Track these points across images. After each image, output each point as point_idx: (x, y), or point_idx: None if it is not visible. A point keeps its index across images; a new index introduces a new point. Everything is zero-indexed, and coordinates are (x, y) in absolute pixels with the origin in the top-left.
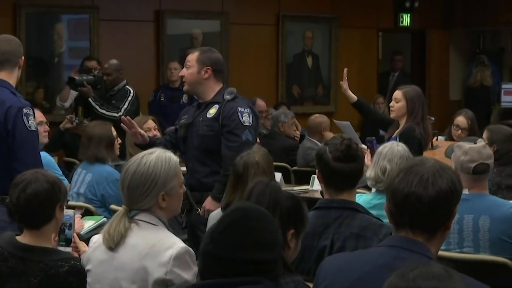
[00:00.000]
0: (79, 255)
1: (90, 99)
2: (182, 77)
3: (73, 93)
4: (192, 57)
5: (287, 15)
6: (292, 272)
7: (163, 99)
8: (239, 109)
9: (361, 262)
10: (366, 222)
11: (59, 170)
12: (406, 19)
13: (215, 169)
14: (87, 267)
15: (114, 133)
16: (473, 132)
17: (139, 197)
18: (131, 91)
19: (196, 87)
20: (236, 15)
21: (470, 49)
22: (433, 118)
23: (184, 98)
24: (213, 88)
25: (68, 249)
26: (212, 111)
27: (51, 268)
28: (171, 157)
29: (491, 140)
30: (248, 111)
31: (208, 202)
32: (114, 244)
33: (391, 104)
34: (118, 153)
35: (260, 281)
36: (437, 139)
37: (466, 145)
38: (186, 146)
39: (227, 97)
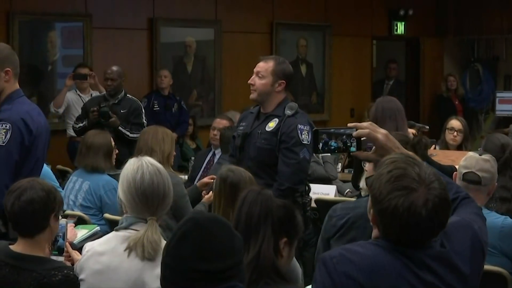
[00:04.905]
0: (72, 264)
1: (120, 128)
2: (251, 84)
3: (67, 99)
4: (266, 67)
5: (281, 23)
6: (286, 280)
7: (157, 106)
8: (299, 126)
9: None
10: None
11: (56, 181)
12: (400, 27)
13: (268, 182)
14: (81, 276)
15: (113, 143)
16: (467, 135)
17: (167, 207)
18: (139, 102)
19: (265, 97)
20: (229, 23)
21: (464, 57)
22: (427, 127)
23: (175, 106)
24: (277, 100)
25: (61, 258)
26: (272, 125)
27: (44, 277)
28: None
29: (485, 148)
30: (308, 128)
31: None
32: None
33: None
34: (114, 163)
35: None
36: (435, 148)
37: (471, 153)
38: (242, 156)
39: (288, 112)
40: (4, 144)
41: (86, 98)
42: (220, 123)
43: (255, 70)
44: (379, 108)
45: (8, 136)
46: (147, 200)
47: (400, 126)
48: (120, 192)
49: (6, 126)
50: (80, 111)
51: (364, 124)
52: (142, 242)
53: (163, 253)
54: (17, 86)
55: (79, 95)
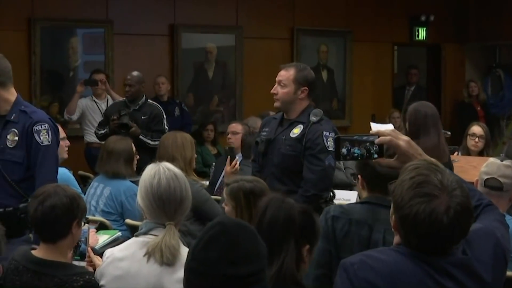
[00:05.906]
0: (94, 270)
1: (141, 137)
2: (274, 94)
3: (81, 105)
4: (287, 75)
5: (302, 29)
6: (303, 287)
7: None
8: (325, 133)
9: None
10: None
11: (79, 187)
12: (421, 33)
13: (292, 188)
14: (101, 282)
15: (134, 149)
16: (488, 141)
17: (185, 211)
18: (160, 107)
19: (288, 106)
20: (250, 29)
21: (486, 63)
22: (448, 133)
23: (177, 110)
24: (301, 107)
25: (83, 264)
26: (296, 131)
27: (65, 282)
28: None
29: (506, 154)
30: (333, 135)
31: None
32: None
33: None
34: (136, 169)
35: None
36: (458, 154)
37: (493, 159)
38: (265, 162)
39: (313, 118)
40: (50, 144)
41: (102, 104)
42: (236, 127)
43: (277, 79)
44: (420, 115)
45: (50, 135)
46: (164, 205)
47: (440, 134)
48: (139, 198)
49: (45, 126)
50: (95, 117)
51: (386, 130)
52: (160, 247)
53: (188, 257)
54: (14, 92)
55: (94, 101)
